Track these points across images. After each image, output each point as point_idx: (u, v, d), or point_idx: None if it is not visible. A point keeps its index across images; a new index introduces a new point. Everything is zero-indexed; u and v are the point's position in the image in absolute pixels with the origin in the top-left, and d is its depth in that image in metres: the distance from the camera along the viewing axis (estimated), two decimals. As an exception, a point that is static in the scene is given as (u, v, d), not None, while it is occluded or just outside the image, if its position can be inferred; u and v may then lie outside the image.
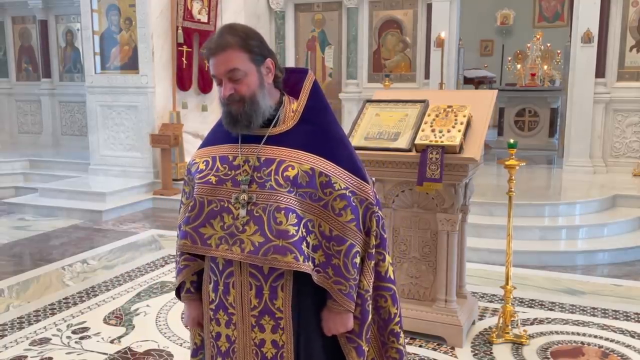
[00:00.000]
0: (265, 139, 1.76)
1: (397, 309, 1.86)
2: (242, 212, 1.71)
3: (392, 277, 1.85)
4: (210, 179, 1.77)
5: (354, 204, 1.75)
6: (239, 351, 1.81)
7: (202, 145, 1.91)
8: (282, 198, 1.69)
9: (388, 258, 1.85)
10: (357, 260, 1.76)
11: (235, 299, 1.77)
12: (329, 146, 1.78)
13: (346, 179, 1.75)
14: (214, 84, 6.45)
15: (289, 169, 1.71)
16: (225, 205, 1.74)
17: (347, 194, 1.73)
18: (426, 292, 3.57)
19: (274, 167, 1.72)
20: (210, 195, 1.76)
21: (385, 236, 1.83)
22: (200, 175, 1.79)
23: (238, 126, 1.74)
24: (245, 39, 1.70)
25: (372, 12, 8.75)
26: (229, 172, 1.76)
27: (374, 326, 1.88)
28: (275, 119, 1.78)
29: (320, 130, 1.80)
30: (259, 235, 1.69)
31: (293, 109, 1.81)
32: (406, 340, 3.51)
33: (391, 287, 1.83)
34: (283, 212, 1.68)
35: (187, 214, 1.78)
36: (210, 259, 1.83)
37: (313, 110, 1.82)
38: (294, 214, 1.68)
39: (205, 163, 1.82)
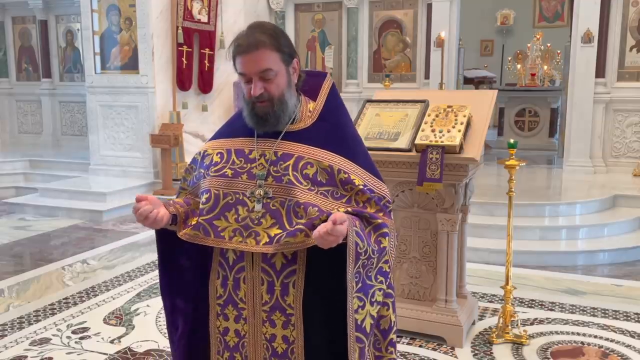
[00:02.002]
0: (282, 134, 1.77)
1: (395, 316, 1.83)
2: (258, 206, 1.71)
3: (393, 283, 1.84)
4: (226, 172, 1.78)
5: (375, 197, 1.75)
6: (250, 345, 1.81)
7: (216, 137, 1.91)
8: (300, 194, 1.69)
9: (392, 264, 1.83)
10: (385, 242, 1.71)
11: (246, 294, 1.78)
12: (346, 145, 1.79)
13: (363, 176, 1.76)
14: (214, 84, 6.44)
15: (308, 166, 1.72)
16: (241, 197, 1.74)
17: (366, 190, 1.74)
18: (426, 292, 3.57)
19: (291, 162, 1.73)
20: (225, 188, 1.76)
21: (392, 243, 1.80)
22: (216, 168, 1.80)
23: (267, 125, 1.74)
24: (277, 39, 1.70)
25: (372, 12, 8.75)
26: (245, 165, 1.77)
27: (370, 342, 1.80)
28: (293, 116, 1.79)
29: (337, 129, 1.82)
30: (276, 228, 1.69)
31: (310, 109, 1.83)
32: (406, 341, 3.52)
33: (392, 294, 1.81)
34: (302, 206, 1.67)
35: (202, 206, 1.78)
36: (220, 253, 1.83)
37: (330, 111, 1.84)
38: (315, 208, 1.67)
39: (219, 155, 1.82)
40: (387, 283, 1.76)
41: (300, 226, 1.65)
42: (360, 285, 1.67)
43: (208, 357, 1.94)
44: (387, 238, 1.72)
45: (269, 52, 1.68)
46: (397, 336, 3.51)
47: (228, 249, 1.79)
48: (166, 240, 1.88)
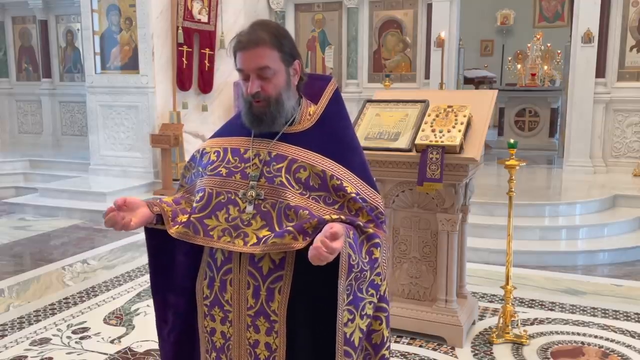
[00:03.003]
0: (279, 136, 1.75)
1: (389, 332, 1.79)
2: (249, 207, 1.69)
3: (387, 296, 1.79)
4: (221, 170, 1.76)
5: (367, 207, 1.71)
6: (234, 349, 1.78)
7: (215, 136, 1.90)
8: (292, 197, 1.67)
9: (385, 277, 1.79)
10: (377, 253, 1.68)
11: (232, 296, 1.75)
12: (342, 152, 1.76)
13: (357, 184, 1.72)
14: (214, 84, 6.45)
15: (301, 170, 1.70)
16: (233, 197, 1.72)
17: (358, 199, 1.70)
18: (426, 292, 3.57)
19: (285, 164, 1.71)
20: (219, 187, 1.74)
21: (385, 256, 1.77)
22: (212, 167, 1.79)
23: (262, 125, 1.72)
24: (279, 38, 1.69)
25: (373, 12, 8.75)
26: (239, 165, 1.75)
27: (360, 356, 1.75)
28: (292, 119, 1.77)
29: (335, 135, 1.79)
30: (266, 230, 1.66)
31: (310, 112, 1.80)
32: (406, 341, 3.51)
33: (387, 308, 1.77)
34: (293, 209, 1.65)
35: (195, 204, 1.77)
36: (209, 254, 1.81)
37: (331, 116, 1.82)
38: (306, 212, 1.64)
39: (216, 154, 1.81)
40: (378, 296, 1.72)
41: (290, 228, 1.63)
42: (351, 298, 1.64)
43: (195, 353, 1.93)
44: (379, 249, 1.69)
45: (268, 50, 1.66)
46: (398, 336, 3.52)
47: (217, 250, 1.77)
48: (159, 235, 1.86)
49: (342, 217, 1.66)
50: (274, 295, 1.71)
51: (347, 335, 1.64)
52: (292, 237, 1.62)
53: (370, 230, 1.69)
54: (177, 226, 1.76)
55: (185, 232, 1.75)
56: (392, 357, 3.26)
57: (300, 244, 1.61)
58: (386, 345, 1.77)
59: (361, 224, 1.68)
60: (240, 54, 1.68)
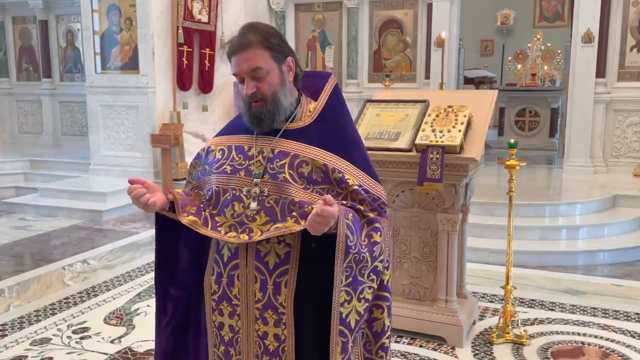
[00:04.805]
0: (281, 133, 1.79)
1: (390, 321, 1.84)
2: (253, 204, 1.73)
3: (390, 286, 1.84)
4: (226, 168, 1.81)
5: (369, 198, 1.76)
6: (243, 341, 1.83)
7: (220, 134, 1.95)
8: (296, 192, 1.71)
9: (389, 266, 1.84)
10: (377, 237, 1.72)
11: (240, 290, 1.80)
12: (342, 144, 1.80)
13: (359, 176, 1.77)
14: (214, 84, 6.51)
15: (303, 165, 1.74)
16: (237, 194, 1.76)
17: (360, 190, 1.75)
18: (426, 292, 3.57)
19: (287, 160, 1.75)
20: (225, 185, 1.79)
21: (387, 243, 1.81)
22: (217, 164, 1.84)
23: (262, 124, 1.77)
24: (267, 37, 1.73)
25: (373, 12, 8.75)
26: (243, 162, 1.79)
27: (360, 342, 1.82)
28: (293, 115, 1.81)
29: (336, 130, 1.84)
30: (270, 225, 1.70)
31: (310, 109, 1.85)
32: (406, 341, 3.51)
33: (389, 297, 1.82)
34: (298, 204, 1.69)
35: (206, 203, 1.82)
36: (216, 250, 1.86)
37: (331, 111, 1.86)
38: (311, 206, 1.68)
39: (221, 152, 1.86)
40: (378, 282, 1.77)
41: (294, 214, 1.68)
42: (350, 280, 1.68)
43: (188, 347, 1.98)
44: (379, 233, 1.73)
45: (258, 51, 1.71)
46: (398, 336, 3.52)
47: (223, 247, 1.82)
48: (167, 228, 1.91)
49: (344, 202, 1.71)
50: (281, 288, 1.76)
51: (343, 316, 1.69)
52: (294, 220, 1.67)
53: (371, 215, 1.73)
54: (188, 215, 1.81)
55: (194, 221, 1.79)
56: (393, 357, 3.26)
57: (301, 226, 1.65)
58: (387, 334, 1.83)
59: (362, 208, 1.72)
60: (234, 58, 1.74)
